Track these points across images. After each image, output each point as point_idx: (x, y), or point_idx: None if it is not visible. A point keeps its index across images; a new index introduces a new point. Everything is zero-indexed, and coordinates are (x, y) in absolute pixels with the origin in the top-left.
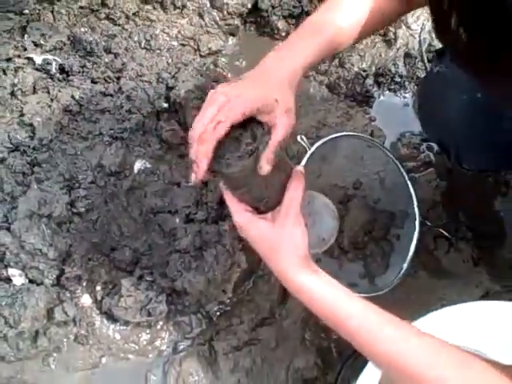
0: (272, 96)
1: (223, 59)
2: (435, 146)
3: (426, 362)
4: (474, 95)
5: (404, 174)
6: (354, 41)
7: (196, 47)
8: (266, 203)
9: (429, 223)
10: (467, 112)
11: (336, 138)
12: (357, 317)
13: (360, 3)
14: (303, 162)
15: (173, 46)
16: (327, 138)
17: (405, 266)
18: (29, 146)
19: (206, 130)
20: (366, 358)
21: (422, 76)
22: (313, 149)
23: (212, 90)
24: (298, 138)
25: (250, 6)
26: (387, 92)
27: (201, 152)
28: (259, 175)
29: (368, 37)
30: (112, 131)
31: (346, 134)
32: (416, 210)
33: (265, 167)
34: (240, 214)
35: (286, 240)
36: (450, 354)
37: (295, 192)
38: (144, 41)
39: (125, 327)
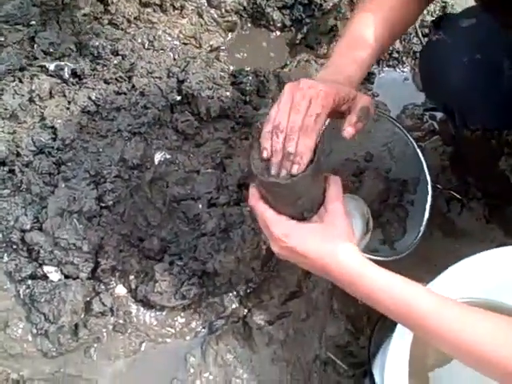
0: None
1: (224, 54)
2: (438, 115)
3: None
4: (473, 56)
5: (412, 141)
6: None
7: (198, 45)
8: (309, 211)
9: (440, 186)
10: (469, 73)
11: None
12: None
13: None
14: None
15: (175, 45)
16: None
17: (422, 228)
18: (52, 148)
19: (305, 123)
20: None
21: (419, 50)
22: (326, 123)
23: (291, 83)
24: None
25: (245, 3)
26: (386, 68)
27: (306, 146)
28: (313, 184)
29: None
30: (130, 127)
31: None
32: (427, 175)
33: (348, 129)
34: (282, 223)
35: (340, 232)
36: None
37: (337, 193)
38: (147, 42)
39: (160, 313)
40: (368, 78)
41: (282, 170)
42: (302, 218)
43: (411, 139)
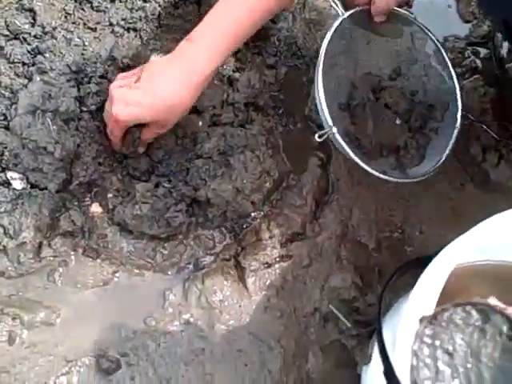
0: (151, 116)
1: None
2: (482, 51)
3: None
4: None
5: (448, 62)
6: None
7: None
8: None
9: (472, 117)
10: None
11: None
12: None
13: None
14: (331, 30)
15: None
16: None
17: (443, 156)
18: (29, 34)
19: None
20: None
21: None
22: (346, 15)
23: (112, 85)
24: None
25: None
26: None
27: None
28: None
29: None
30: (123, 22)
31: None
32: (459, 100)
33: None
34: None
35: None
36: None
37: None
38: None
39: (140, 240)
40: (407, 1)
41: None
42: None
43: (446, 58)
